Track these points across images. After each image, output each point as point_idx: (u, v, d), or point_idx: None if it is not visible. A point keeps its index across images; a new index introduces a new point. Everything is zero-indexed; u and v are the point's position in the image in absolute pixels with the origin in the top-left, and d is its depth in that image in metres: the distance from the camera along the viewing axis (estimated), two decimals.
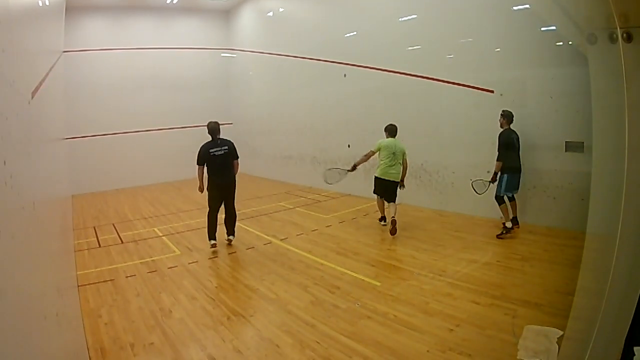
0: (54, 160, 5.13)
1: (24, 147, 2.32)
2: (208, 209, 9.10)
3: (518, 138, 8.67)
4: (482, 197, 9.53)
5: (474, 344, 4.86)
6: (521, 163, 8.70)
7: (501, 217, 8.76)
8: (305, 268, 7.61)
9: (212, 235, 8.98)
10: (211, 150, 8.87)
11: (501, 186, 8.56)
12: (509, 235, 8.45)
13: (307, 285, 6.82)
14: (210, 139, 9.20)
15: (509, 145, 8.53)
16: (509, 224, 8.54)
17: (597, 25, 2.48)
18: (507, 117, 8.68)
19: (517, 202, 8.78)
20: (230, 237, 9.29)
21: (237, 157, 9.31)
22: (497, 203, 8.67)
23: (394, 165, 9.38)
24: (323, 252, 8.33)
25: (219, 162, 8.85)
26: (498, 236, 8.49)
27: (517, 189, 8.77)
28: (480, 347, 4.83)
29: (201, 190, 9.07)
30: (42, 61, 4.08)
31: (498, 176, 8.55)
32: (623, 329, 2.38)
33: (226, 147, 9.05)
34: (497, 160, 8.54)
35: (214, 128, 9.37)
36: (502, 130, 8.68)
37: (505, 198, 8.66)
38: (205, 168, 8.87)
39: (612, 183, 2.62)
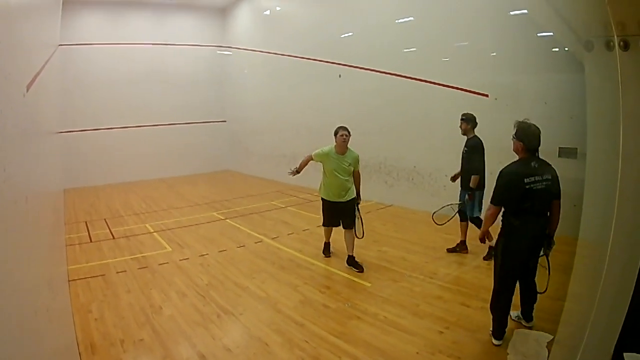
0: (47, 153, 5.12)
1: (18, 140, 2.31)
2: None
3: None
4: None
5: (464, 347, 4.88)
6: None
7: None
8: (295, 267, 7.62)
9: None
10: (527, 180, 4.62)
11: (474, 205, 7.71)
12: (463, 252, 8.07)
13: (297, 285, 6.83)
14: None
15: (482, 155, 7.63)
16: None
17: (594, 32, 2.50)
18: (472, 121, 7.76)
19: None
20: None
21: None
22: (474, 225, 7.69)
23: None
24: (314, 252, 8.33)
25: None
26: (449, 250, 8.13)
27: None
28: (469, 350, 4.85)
29: None
30: (38, 54, 4.07)
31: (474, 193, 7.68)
32: (613, 335, 2.40)
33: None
34: (476, 173, 7.51)
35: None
36: (470, 137, 7.75)
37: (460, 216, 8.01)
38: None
39: (605, 190, 2.64)
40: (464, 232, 8.07)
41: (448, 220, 7.55)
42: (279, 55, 16.73)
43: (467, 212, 7.81)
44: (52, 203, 5.39)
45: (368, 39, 12.63)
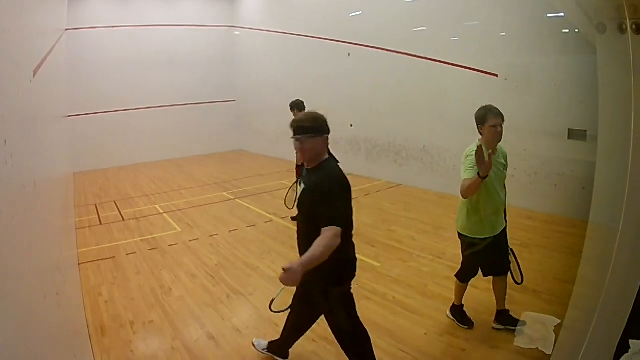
0: (55, 138, 5.13)
1: (25, 125, 2.31)
2: None
3: None
4: None
5: (472, 328, 4.90)
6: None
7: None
8: None
9: None
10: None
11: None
12: None
13: None
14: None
15: None
16: None
17: (606, 14, 2.46)
18: (297, 106, 8.60)
19: None
20: None
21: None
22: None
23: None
24: None
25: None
26: None
27: None
28: (476, 331, 4.87)
29: None
30: (44, 39, 4.06)
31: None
32: (621, 321, 2.39)
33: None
34: None
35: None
36: None
37: None
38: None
39: (616, 173, 2.62)
40: None
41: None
42: (288, 35, 16.62)
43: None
44: (61, 187, 5.42)
45: (377, 17, 12.51)
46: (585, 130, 7.96)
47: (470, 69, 9.93)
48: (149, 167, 17.28)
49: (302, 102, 8.63)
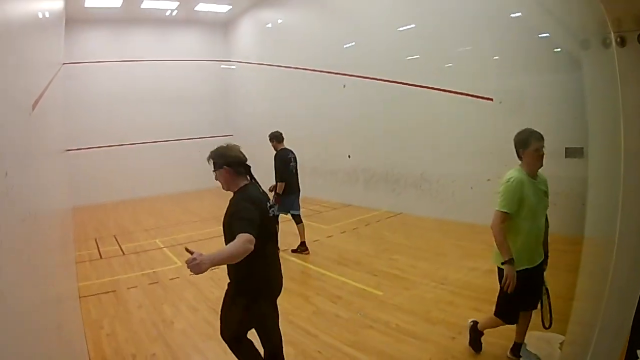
0: (54, 172, 5.15)
1: (24, 159, 2.33)
2: None
3: (295, 158, 9.23)
4: (483, 205, 9.54)
5: (479, 353, 4.87)
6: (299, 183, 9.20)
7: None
8: (306, 278, 7.61)
9: None
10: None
11: (286, 206, 9.00)
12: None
13: (308, 296, 6.81)
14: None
15: (287, 165, 9.03)
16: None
17: (590, 30, 2.50)
18: (276, 138, 9.28)
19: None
20: None
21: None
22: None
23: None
24: (324, 263, 8.32)
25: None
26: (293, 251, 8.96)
27: (298, 209, 9.19)
28: (482, 355, 4.83)
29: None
30: (42, 73, 4.10)
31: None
32: (624, 332, 2.38)
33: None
34: (280, 181, 8.92)
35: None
36: (278, 151, 9.16)
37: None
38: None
39: (609, 186, 2.63)
40: (302, 233, 8.95)
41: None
42: (283, 68, 16.76)
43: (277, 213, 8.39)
44: (60, 220, 5.42)
45: (370, 48, 12.66)
46: (582, 148, 7.99)
47: (464, 94, 10.01)
48: (147, 202, 17.31)
49: (281, 134, 9.23)
